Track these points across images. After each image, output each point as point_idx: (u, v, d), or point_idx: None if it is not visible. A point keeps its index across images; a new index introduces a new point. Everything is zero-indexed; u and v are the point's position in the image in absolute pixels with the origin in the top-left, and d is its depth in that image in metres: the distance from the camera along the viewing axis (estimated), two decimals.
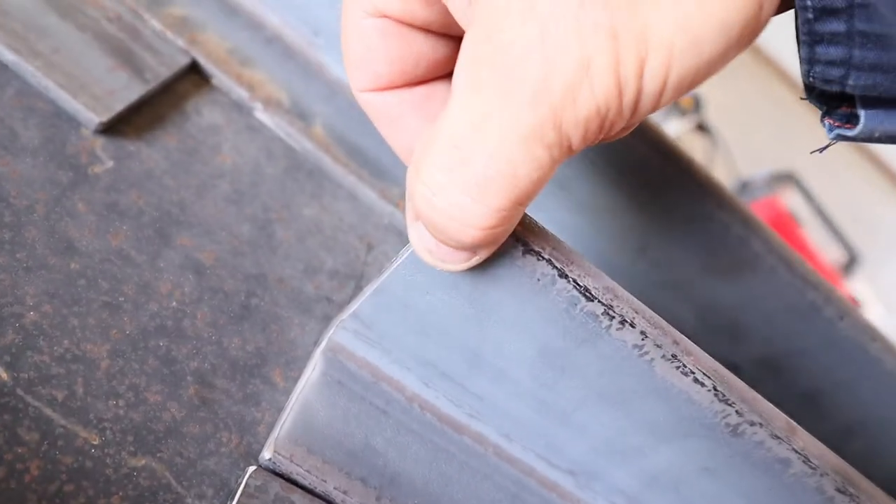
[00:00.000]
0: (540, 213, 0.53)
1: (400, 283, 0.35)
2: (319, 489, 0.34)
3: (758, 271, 0.53)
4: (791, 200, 2.21)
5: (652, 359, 0.35)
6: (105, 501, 0.29)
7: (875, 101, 0.24)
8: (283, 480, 0.33)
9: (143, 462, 0.31)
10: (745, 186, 2.19)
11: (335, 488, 0.34)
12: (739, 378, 0.54)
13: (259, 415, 0.35)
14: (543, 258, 0.32)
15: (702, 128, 2.45)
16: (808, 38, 0.23)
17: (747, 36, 0.23)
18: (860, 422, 0.60)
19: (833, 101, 0.26)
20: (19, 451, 0.29)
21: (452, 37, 0.29)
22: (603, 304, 0.33)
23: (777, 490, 0.40)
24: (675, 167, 0.49)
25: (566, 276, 0.33)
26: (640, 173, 0.51)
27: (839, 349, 0.56)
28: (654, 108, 0.23)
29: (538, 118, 0.22)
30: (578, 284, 0.33)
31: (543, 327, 0.35)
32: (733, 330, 0.57)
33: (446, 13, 0.28)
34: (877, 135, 0.24)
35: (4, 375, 0.30)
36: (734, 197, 0.50)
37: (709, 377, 0.35)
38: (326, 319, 0.40)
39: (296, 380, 0.37)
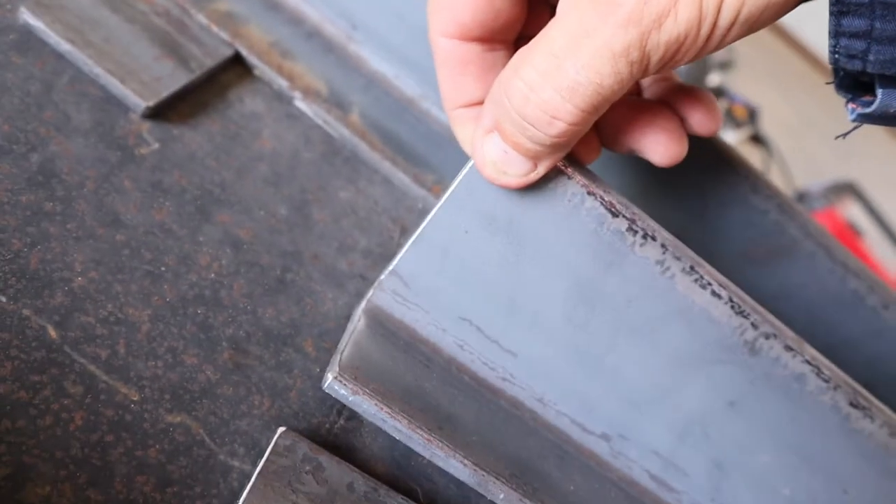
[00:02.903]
0: None
1: (441, 225, 0.36)
2: (386, 412, 0.34)
3: (796, 258, 0.52)
4: (851, 211, 2.15)
5: (673, 274, 0.37)
6: (142, 453, 0.31)
7: (892, 81, 0.27)
8: (310, 442, 0.34)
9: (179, 419, 0.32)
10: (802, 197, 2.14)
11: (401, 412, 0.35)
12: None
13: (291, 381, 0.36)
14: (574, 177, 0.34)
15: (757, 139, 2.41)
16: (835, 9, 0.25)
17: None
18: None
19: (857, 90, 0.28)
20: (65, 402, 0.30)
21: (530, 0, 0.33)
22: (627, 219, 0.36)
23: (798, 417, 0.41)
24: (709, 152, 0.49)
25: (594, 194, 0.35)
26: None
27: (885, 339, 0.55)
28: (724, 41, 0.27)
29: (628, 39, 0.26)
30: (605, 200, 0.35)
31: (575, 253, 0.37)
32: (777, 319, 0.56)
33: None
34: (892, 111, 0.27)
35: (53, 334, 0.32)
36: (769, 181, 0.50)
37: (724, 287, 0.38)
38: (359, 295, 0.42)
39: (327, 350, 0.39)
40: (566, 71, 0.27)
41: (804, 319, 0.55)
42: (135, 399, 0.32)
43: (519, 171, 0.32)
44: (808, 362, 0.39)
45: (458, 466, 0.35)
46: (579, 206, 0.36)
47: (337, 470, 0.34)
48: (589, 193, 0.35)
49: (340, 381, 0.34)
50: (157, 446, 0.31)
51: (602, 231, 0.36)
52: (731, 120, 2.33)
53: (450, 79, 0.34)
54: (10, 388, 0.29)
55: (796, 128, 2.65)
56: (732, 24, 0.26)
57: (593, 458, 0.43)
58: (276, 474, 0.32)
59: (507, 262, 0.38)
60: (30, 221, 0.34)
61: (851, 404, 0.41)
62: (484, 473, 0.36)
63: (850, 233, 2.06)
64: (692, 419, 0.42)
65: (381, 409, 0.34)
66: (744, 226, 0.52)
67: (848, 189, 2.19)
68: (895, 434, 0.42)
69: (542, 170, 0.32)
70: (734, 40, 0.27)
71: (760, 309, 0.39)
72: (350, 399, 0.34)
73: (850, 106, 0.29)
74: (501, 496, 0.36)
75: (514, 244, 0.37)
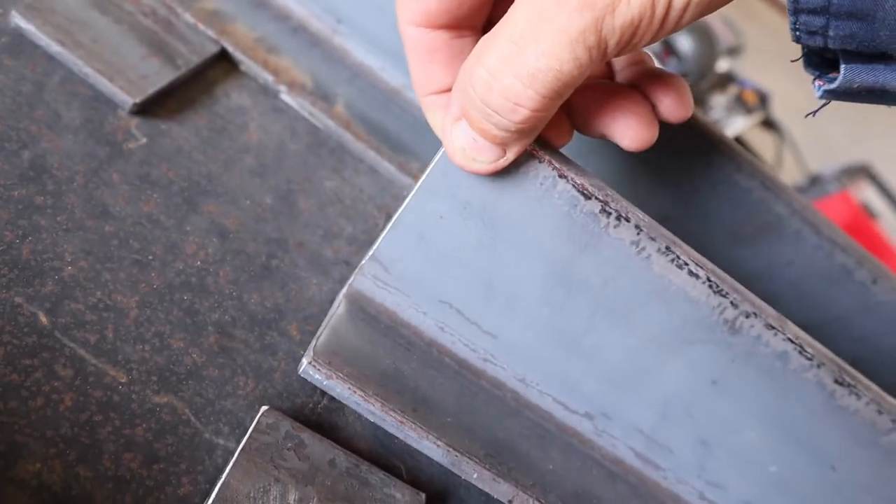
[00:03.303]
0: None
1: (416, 211, 0.37)
2: (359, 395, 0.35)
3: (783, 235, 0.53)
4: (865, 194, 2.13)
5: (649, 255, 0.37)
6: (130, 432, 0.32)
7: (854, 56, 0.27)
8: (293, 420, 0.35)
9: (166, 399, 0.34)
10: (815, 181, 2.12)
11: (375, 394, 0.36)
12: None
13: (275, 363, 0.38)
14: (544, 161, 0.35)
15: (768, 124, 2.39)
16: None
17: None
18: None
19: (824, 66, 0.29)
20: (55, 384, 0.32)
21: None
22: (600, 201, 0.36)
23: (782, 395, 0.41)
24: (692, 132, 0.50)
25: (565, 177, 0.35)
26: (658, 141, 0.51)
27: (875, 314, 0.55)
28: (680, 23, 0.28)
29: (583, 24, 0.27)
30: (576, 182, 0.35)
31: (550, 236, 0.37)
32: (764, 299, 0.57)
33: None
34: (855, 86, 0.27)
35: (44, 320, 0.33)
36: (752, 159, 0.50)
37: (701, 267, 0.38)
38: (343, 281, 0.43)
39: (312, 333, 0.40)
40: (526, 58, 0.28)
41: (793, 296, 0.56)
42: (123, 381, 0.33)
43: (488, 157, 0.33)
44: (791, 340, 0.40)
45: (431, 447, 0.36)
46: (551, 189, 0.36)
47: (319, 447, 0.35)
48: (560, 176, 0.36)
49: (315, 366, 0.35)
50: (144, 425, 0.33)
51: (575, 213, 0.37)
52: (742, 105, 2.31)
53: (419, 66, 0.35)
54: (2, 372, 0.31)
55: (808, 111, 2.62)
56: (687, 6, 0.27)
57: (577, 437, 0.43)
58: (259, 451, 0.33)
59: (483, 246, 0.39)
60: (21, 215, 0.36)
61: (836, 381, 0.41)
62: (457, 454, 0.37)
63: (865, 215, 2.04)
64: (674, 398, 0.43)
65: (355, 392, 0.35)
66: (730, 205, 0.53)
67: (862, 171, 2.17)
68: (883, 411, 0.42)
69: (511, 156, 0.33)
70: (691, 21, 0.28)
71: (740, 288, 0.39)
72: (324, 383, 0.35)
73: (817, 83, 0.29)
74: (475, 475, 0.37)
75: (489, 228, 0.38)
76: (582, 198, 0.36)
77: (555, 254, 0.39)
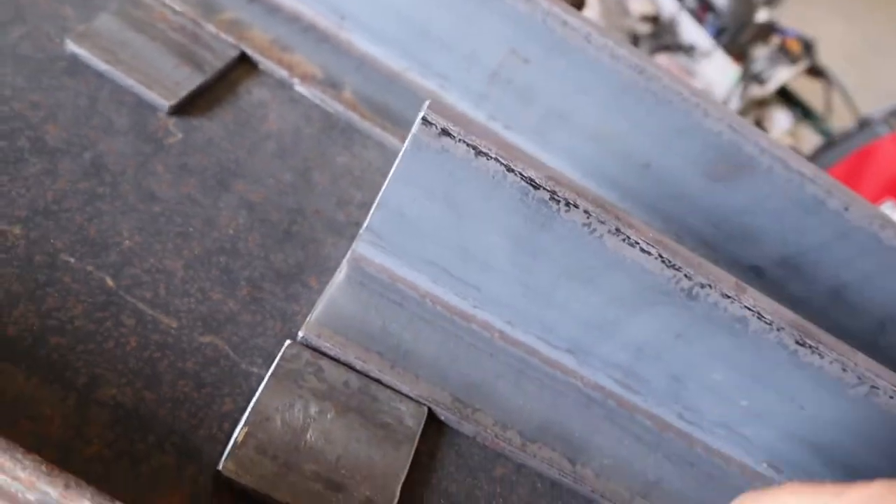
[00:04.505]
0: (548, 144, 0.61)
1: (393, 194, 0.44)
2: (343, 358, 0.44)
3: (756, 172, 0.57)
4: None
5: (601, 235, 0.42)
6: (182, 365, 0.41)
7: None
8: (312, 351, 0.43)
9: (209, 339, 0.42)
10: (863, 124, 2.08)
11: (356, 357, 0.44)
12: (765, 281, 0.60)
13: (298, 308, 0.46)
14: (492, 157, 0.41)
15: (815, 71, 2.35)
16: None
17: None
18: (892, 315, 0.62)
19: None
20: (122, 330, 0.40)
21: None
22: (548, 191, 0.41)
23: (745, 349, 0.45)
24: (658, 84, 0.55)
25: (513, 171, 0.41)
26: (632, 93, 0.57)
27: (852, 240, 0.59)
28: None
29: None
30: (524, 176, 0.41)
31: (508, 218, 0.43)
32: (748, 234, 0.62)
33: None
34: None
35: (110, 283, 0.42)
36: (718, 103, 0.55)
37: (652, 245, 0.42)
38: (354, 240, 0.50)
39: (329, 283, 0.48)
40: None
41: (776, 228, 0.60)
42: (174, 326, 0.42)
43: None
44: (749, 308, 0.43)
45: (404, 398, 0.44)
46: (502, 181, 0.41)
47: (335, 371, 0.43)
48: (508, 170, 0.41)
49: (307, 338, 0.43)
50: (193, 360, 0.41)
51: (528, 200, 0.42)
52: (786, 55, 2.28)
53: None
54: (82, 323, 0.40)
55: (860, 55, 2.56)
56: None
57: (560, 367, 0.49)
58: (285, 375, 0.41)
59: (452, 223, 0.44)
60: (87, 202, 0.45)
61: (798, 343, 0.44)
62: (427, 403, 0.44)
63: None
64: (643, 345, 0.47)
65: (339, 358, 0.44)
66: (702, 149, 0.58)
67: None
68: (847, 368, 0.44)
69: None
70: None
71: (695, 261, 0.43)
72: (313, 349, 0.43)
73: None
74: (443, 418, 0.45)
75: (453, 210, 0.44)
76: (531, 188, 0.41)
77: (515, 231, 0.44)
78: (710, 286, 0.43)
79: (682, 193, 0.61)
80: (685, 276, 0.43)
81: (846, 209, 0.57)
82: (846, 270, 0.61)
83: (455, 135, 0.40)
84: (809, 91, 2.38)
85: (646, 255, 0.42)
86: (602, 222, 0.42)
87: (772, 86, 2.36)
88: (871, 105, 2.44)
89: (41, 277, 0.40)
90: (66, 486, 0.30)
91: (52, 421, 0.36)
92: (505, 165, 0.41)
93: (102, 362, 0.39)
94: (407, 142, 0.41)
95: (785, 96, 2.47)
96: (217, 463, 0.37)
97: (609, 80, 0.56)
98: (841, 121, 2.38)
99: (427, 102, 0.40)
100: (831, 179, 0.57)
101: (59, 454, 0.35)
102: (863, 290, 0.61)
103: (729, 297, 0.43)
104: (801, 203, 0.58)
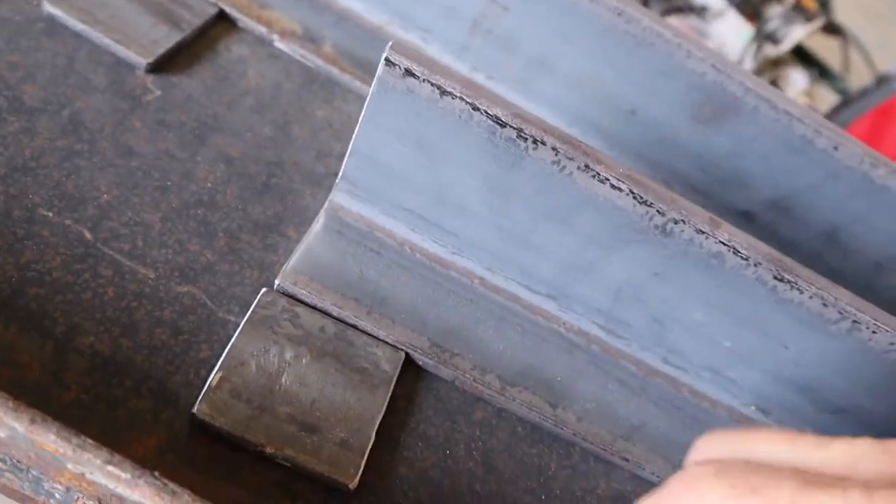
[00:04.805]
0: (531, 94, 0.60)
1: (364, 139, 0.44)
2: (319, 305, 0.44)
3: (742, 113, 0.57)
4: None
5: (571, 172, 0.42)
6: (159, 313, 0.41)
7: None
8: (289, 298, 0.43)
9: (186, 289, 0.43)
10: (881, 81, 2.03)
11: (332, 304, 0.44)
12: (756, 227, 0.59)
13: (276, 258, 0.46)
14: (457, 96, 0.41)
15: (831, 28, 2.29)
16: None
17: None
18: (888, 256, 0.61)
19: None
20: (100, 281, 0.41)
21: None
22: (514, 129, 0.41)
23: (724, 286, 0.45)
24: (638, 26, 0.54)
25: (478, 109, 0.41)
26: (612, 37, 0.56)
27: (843, 180, 0.58)
28: None
29: None
30: (489, 114, 0.41)
31: (478, 158, 0.43)
32: (737, 177, 0.61)
33: None
34: None
35: (88, 236, 0.43)
36: (700, 43, 0.54)
37: (622, 181, 0.42)
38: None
39: (306, 233, 0.48)
40: None
41: (764, 170, 0.60)
42: (151, 277, 0.42)
43: None
44: (724, 243, 0.42)
45: (382, 344, 0.45)
46: (469, 120, 0.41)
47: (310, 317, 0.43)
48: (474, 109, 0.40)
49: (283, 286, 0.44)
50: (170, 308, 0.42)
51: (496, 139, 0.41)
52: (801, 13, 2.23)
53: None
54: (60, 275, 0.41)
55: (878, 10, 2.50)
56: None
57: (542, 314, 0.49)
58: (261, 321, 0.42)
59: (424, 167, 0.44)
60: (65, 158, 0.45)
61: (776, 278, 0.43)
62: (403, 347, 0.45)
63: None
64: (622, 285, 0.47)
65: (315, 305, 0.44)
66: (687, 91, 0.57)
67: None
68: (828, 304, 0.44)
69: None
70: None
71: (668, 196, 0.42)
72: (293, 296, 0.44)
73: None
74: (420, 363, 0.45)
75: (425, 153, 0.44)
76: (498, 126, 0.41)
77: (486, 171, 0.43)
78: (683, 221, 0.42)
79: (668, 139, 0.60)
80: (658, 211, 0.42)
81: (836, 148, 0.56)
82: (838, 212, 0.60)
83: (419, 75, 0.40)
84: (826, 49, 2.33)
85: (616, 191, 0.42)
86: (571, 159, 0.41)
87: (787, 45, 2.31)
88: (891, 62, 2.38)
89: (20, 231, 0.41)
90: (32, 421, 0.30)
91: (30, 367, 0.37)
92: (470, 104, 0.41)
93: (80, 311, 0.40)
94: (373, 84, 0.41)
95: (801, 55, 2.42)
96: (193, 407, 0.38)
97: (589, 24, 0.55)
98: (859, 79, 2.33)
99: (390, 43, 0.40)
100: (820, 118, 0.56)
101: (37, 399, 0.36)
102: (857, 231, 0.60)
103: (703, 232, 0.42)
104: (789, 144, 0.57)
